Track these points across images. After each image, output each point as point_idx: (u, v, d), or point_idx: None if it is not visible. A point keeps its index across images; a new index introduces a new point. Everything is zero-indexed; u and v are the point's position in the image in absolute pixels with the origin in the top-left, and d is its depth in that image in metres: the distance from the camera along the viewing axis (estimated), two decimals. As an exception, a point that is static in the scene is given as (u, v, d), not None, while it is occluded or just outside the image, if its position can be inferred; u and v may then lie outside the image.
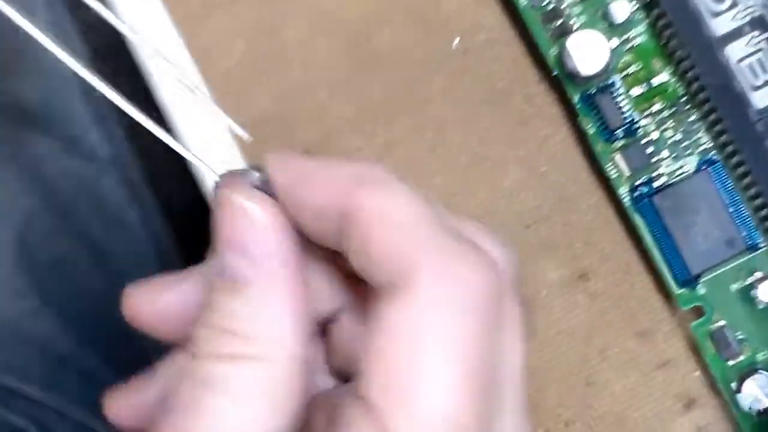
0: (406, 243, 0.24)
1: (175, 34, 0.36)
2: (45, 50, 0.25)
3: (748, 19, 0.34)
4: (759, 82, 0.33)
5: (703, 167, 0.35)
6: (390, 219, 0.24)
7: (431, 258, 0.24)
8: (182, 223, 0.53)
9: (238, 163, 0.36)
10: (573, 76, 0.35)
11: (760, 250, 0.35)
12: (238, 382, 0.24)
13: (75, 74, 0.25)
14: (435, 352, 0.23)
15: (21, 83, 0.48)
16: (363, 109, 0.37)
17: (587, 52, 0.34)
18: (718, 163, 0.35)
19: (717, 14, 0.34)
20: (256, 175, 0.26)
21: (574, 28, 0.35)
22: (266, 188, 0.26)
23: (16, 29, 0.25)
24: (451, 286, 0.23)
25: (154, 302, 0.28)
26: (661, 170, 0.35)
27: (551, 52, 0.35)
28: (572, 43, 0.34)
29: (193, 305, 0.27)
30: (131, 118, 0.26)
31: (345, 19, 0.37)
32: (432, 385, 0.23)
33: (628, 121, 0.35)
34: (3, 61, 0.47)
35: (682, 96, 0.35)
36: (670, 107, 0.35)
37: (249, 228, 0.25)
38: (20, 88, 0.48)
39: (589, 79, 0.35)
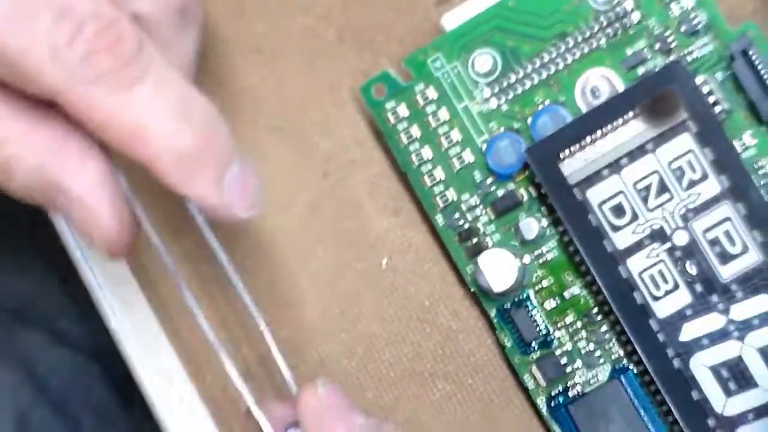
0: None
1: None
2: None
3: (648, 231, 0.35)
4: (660, 293, 0.35)
5: (616, 376, 0.36)
6: None
7: None
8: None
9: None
10: (487, 293, 0.36)
11: (677, 456, 0.35)
12: None
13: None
14: None
15: (6, 280, 0.50)
16: (299, 329, 0.38)
17: (498, 269, 0.36)
18: (630, 372, 0.36)
19: (617, 228, 0.35)
20: None
21: (489, 245, 0.37)
22: None
23: None
24: None
25: None
26: (576, 380, 0.36)
27: (468, 270, 0.37)
28: (483, 261, 0.36)
29: None
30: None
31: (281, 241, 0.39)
32: None
33: (542, 333, 0.36)
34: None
35: (593, 308, 0.36)
36: (582, 319, 0.36)
37: None
38: (6, 284, 0.50)
39: (503, 294, 0.36)
